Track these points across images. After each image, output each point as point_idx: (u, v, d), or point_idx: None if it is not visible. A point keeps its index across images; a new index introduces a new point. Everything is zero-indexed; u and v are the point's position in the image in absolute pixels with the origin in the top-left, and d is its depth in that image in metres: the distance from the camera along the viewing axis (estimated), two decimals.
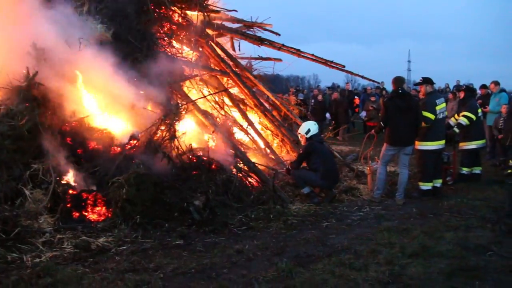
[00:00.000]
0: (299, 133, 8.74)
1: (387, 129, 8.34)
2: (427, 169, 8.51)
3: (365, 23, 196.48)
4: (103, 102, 7.82)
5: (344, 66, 12.27)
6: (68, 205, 6.36)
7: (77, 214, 6.36)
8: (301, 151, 8.60)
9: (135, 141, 7.51)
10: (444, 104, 8.66)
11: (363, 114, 19.19)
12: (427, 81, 8.70)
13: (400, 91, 8.32)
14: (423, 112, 8.28)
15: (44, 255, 5.20)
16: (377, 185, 8.45)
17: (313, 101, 20.14)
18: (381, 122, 8.46)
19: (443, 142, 8.62)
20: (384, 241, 5.91)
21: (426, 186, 8.51)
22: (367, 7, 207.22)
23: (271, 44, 12.09)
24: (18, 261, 5.04)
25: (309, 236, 6.17)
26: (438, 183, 8.71)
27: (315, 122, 8.82)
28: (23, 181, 6.36)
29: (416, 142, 8.46)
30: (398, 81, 8.46)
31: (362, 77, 12.82)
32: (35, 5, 7.44)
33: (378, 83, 16.35)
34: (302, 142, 8.68)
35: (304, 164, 8.44)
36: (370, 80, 13.58)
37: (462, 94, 10.67)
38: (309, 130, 8.46)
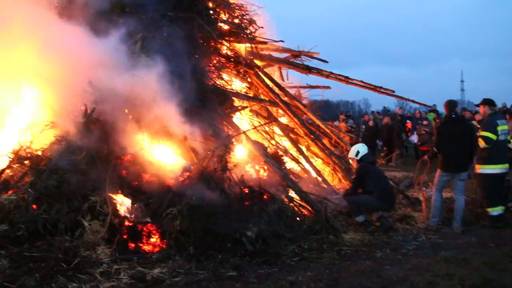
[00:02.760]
0: (350, 158, 8.65)
1: (441, 154, 8.13)
2: (491, 193, 8.10)
3: (409, 45, 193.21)
4: (157, 135, 8.04)
5: (393, 91, 12.16)
6: (124, 236, 6.50)
7: (133, 245, 6.48)
8: (354, 176, 8.48)
9: (187, 173, 7.64)
10: (506, 126, 8.25)
11: (413, 138, 18.76)
12: (487, 102, 8.36)
13: (453, 116, 8.13)
14: (483, 132, 8.01)
15: (102, 286, 5.30)
16: (432, 212, 8.19)
17: (364, 127, 19.93)
18: (434, 148, 8.27)
19: (506, 165, 8.19)
20: (442, 272, 5.68)
21: (496, 210, 8.06)
22: (409, 29, 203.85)
23: (319, 72, 12.16)
24: None
25: (363, 267, 6.03)
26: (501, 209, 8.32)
27: (363, 144, 8.71)
28: (82, 212, 6.57)
29: (477, 166, 8.17)
30: (451, 105, 8.27)
31: (413, 101, 12.66)
32: (91, 45, 7.81)
33: (430, 106, 16.03)
34: (354, 166, 8.56)
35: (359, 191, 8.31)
36: (421, 104, 13.38)
37: None
38: (358, 152, 8.33)
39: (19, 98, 8.07)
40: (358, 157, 8.31)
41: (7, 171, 7.19)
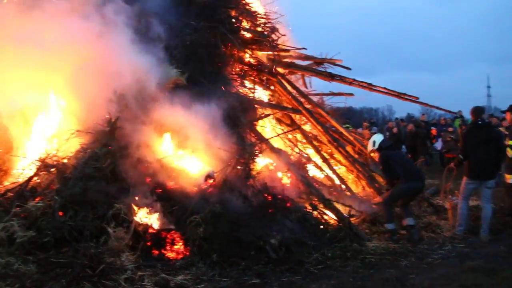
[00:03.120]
0: (369, 152, 8.55)
1: (467, 162, 7.99)
2: None
3: (433, 50, 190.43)
4: (180, 143, 8.10)
5: (417, 98, 12.01)
6: (148, 243, 6.54)
7: (157, 252, 6.51)
8: (380, 167, 8.41)
9: (211, 181, 7.67)
10: None
11: (438, 145, 18.48)
12: None
13: (479, 122, 7.99)
14: (510, 141, 7.87)
15: None
16: (458, 221, 8.04)
17: (387, 133, 19.72)
18: (460, 155, 8.13)
19: None
20: (469, 282, 5.57)
21: None
22: (432, 34, 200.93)
23: (342, 79, 12.09)
24: None
25: (388, 275, 5.95)
26: None
27: (376, 133, 8.62)
28: (107, 219, 6.63)
29: (507, 176, 8.01)
30: (477, 111, 8.13)
31: (437, 108, 12.49)
32: (114, 54, 7.92)
33: (455, 113, 15.79)
34: (377, 158, 8.44)
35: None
36: (445, 110, 13.19)
37: None
38: (374, 142, 8.26)
39: (46, 107, 8.22)
40: (377, 146, 8.21)
41: (35, 178, 7.31)
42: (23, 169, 7.54)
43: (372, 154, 8.65)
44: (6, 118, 7.84)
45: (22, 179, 7.37)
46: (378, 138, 8.33)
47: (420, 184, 8.05)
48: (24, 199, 6.87)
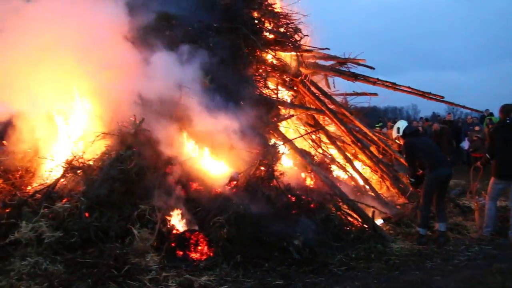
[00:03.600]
0: (394, 138, 8.42)
1: (494, 161, 7.83)
2: None
3: (458, 48, 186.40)
4: (204, 145, 8.15)
5: (443, 97, 11.85)
6: (173, 244, 6.60)
7: (181, 252, 6.55)
8: (404, 155, 8.28)
9: (235, 182, 7.69)
10: None
11: (464, 144, 18.15)
12: None
13: (507, 121, 7.83)
14: None
15: None
16: (486, 222, 7.87)
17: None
18: (487, 154, 7.98)
19: None
20: (497, 285, 5.46)
21: None
22: (457, 31, 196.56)
23: (365, 79, 12.00)
24: None
25: (413, 277, 5.87)
26: None
27: (400, 120, 8.48)
28: (132, 220, 6.73)
29: None
30: (506, 109, 7.95)
31: (463, 107, 12.28)
32: (139, 57, 8.02)
33: (481, 112, 15.49)
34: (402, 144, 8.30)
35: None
36: (471, 109, 12.98)
37: None
38: (398, 129, 8.07)
39: (72, 110, 8.36)
40: (401, 133, 8.03)
41: (62, 180, 7.45)
42: (50, 171, 7.69)
43: (397, 142, 8.53)
44: (34, 120, 7.99)
45: (49, 181, 7.53)
46: (402, 124, 8.14)
47: (448, 170, 7.77)
48: (51, 200, 7.02)
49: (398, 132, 8.07)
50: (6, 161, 8.16)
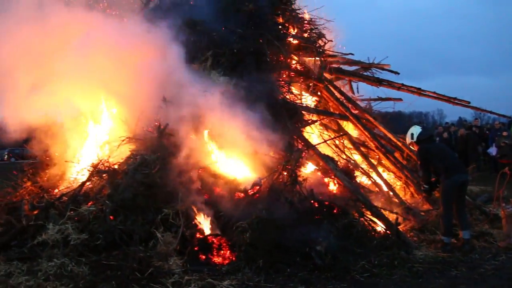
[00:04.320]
0: (408, 144, 8.31)
1: None
2: None
3: (484, 52, 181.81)
4: (227, 149, 8.19)
5: (469, 102, 11.67)
6: (196, 248, 6.64)
7: (204, 257, 6.59)
8: (418, 161, 8.15)
9: (258, 187, 7.71)
10: None
11: (492, 150, 17.82)
12: None
13: None
14: None
15: None
16: None
17: (438, 139, 19.18)
18: None
19: None
20: None
21: None
22: (483, 35, 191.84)
23: (390, 84, 11.92)
24: None
25: (436, 285, 5.77)
26: None
27: (414, 125, 8.32)
28: (155, 224, 6.80)
29: None
30: None
31: (490, 112, 12.07)
32: (165, 63, 8.12)
33: (509, 117, 15.20)
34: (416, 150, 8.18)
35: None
36: (498, 115, 12.74)
37: None
38: (412, 135, 7.92)
39: (98, 115, 8.52)
40: (415, 139, 7.90)
41: (88, 183, 7.58)
42: (77, 174, 7.84)
43: (413, 148, 8.42)
44: (61, 125, 8.17)
45: (76, 184, 7.68)
46: (416, 130, 7.98)
47: (463, 176, 7.66)
48: (77, 203, 7.17)
49: (412, 138, 7.97)
50: (34, 164, 8.37)
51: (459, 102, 11.71)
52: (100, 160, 7.70)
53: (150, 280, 5.70)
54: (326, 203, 7.71)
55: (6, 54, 7.67)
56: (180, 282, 5.75)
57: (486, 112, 12.26)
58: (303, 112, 10.07)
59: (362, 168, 10.40)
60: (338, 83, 12.18)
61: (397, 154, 10.97)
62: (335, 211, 7.64)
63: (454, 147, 18.26)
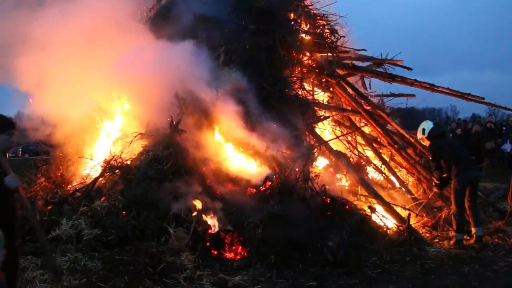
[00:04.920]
0: (419, 139, 8.23)
1: None
2: None
3: (498, 47, 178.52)
4: (239, 145, 8.20)
5: (483, 98, 11.52)
6: (207, 244, 6.68)
7: (216, 252, 6.63)
8: (429, 157, 8.09)
9: (269, 183, 7.71)
10: None
11: (507, 147, 17.59)
12: None
13: None
14: None
15: None
16: None
17: (451, 135, 18.98)
18: None
19: None
20: None
21: None
22: (497, 30, 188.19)
23: (402, 80, 11.82)
24: None
25: (449, 282, 5.72)
26: None
27: (426, 120, 8.24)
28: (168, 220, 6.83)
29: None
30: None
31: (505, 108, 11.92)
32: (177, 60, 8.14)
33: None
34: (427, 145, 8.11)
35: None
36: None
37: None
38: (424, 130, 7.89)
39: (111, 111, 8.57)
40: (426, 134, 7.86)
41: (100, 179, 7.64)
42: (90, 170, 7.90)
43: (424, 143, 8.34)
44: (75, 121, 8.23)
45: (89, 180, 7.73)
46: (427, 125, 7.94)
47: (475, 173, 7.62)
48: (90, 198, 7.23)
49: (423, 133, 7.91)
50: (48, 160, 8.45)
51: (473, 98, 11.58)
52: (113, 156, 7.75)
53: (162, 275, 5.73)
54: (338, 199, 7.68)
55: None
56: (192, 277, 5.77)
57: (500, 108, 12.09)
58: (315, 108, 10.04)
59: (374, 164, 10.35)
60: (351, 79, 12.10)
61: (409, 150, 10.88)
62: (347, 207, 7.61)
63: (468, 144, 18.05)
